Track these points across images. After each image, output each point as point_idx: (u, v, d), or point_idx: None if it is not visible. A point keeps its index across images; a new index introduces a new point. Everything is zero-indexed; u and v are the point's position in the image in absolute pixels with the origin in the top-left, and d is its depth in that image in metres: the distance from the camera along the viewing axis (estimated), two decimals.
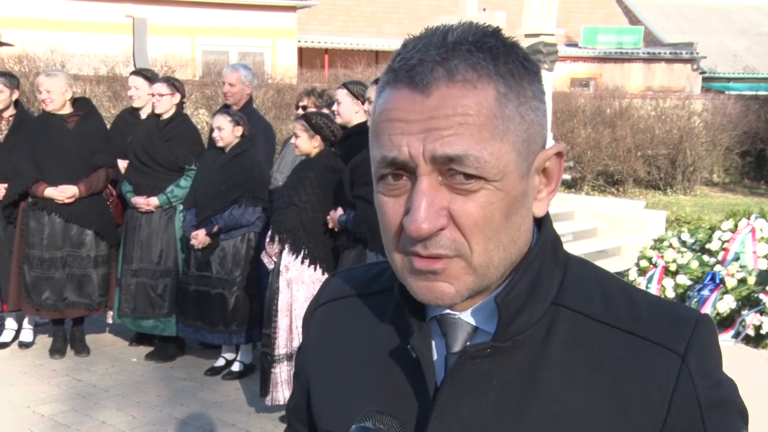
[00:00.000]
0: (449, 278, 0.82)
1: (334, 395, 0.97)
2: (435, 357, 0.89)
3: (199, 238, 4.91)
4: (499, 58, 0.81)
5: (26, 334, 5.71)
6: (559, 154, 0.87)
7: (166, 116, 5.35)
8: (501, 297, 0.84)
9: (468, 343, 0.87)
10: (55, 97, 5.24)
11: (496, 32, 0.83)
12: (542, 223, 0.90)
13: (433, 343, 0.90)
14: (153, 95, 5.35)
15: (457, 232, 0.81)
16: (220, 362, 5.28)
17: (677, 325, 0.86)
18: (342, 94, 4.57)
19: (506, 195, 0.81)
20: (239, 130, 4.94)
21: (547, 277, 0.87)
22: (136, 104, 5.85)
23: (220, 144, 4.96)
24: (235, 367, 5.19)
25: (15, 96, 5.58)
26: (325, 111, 4.83)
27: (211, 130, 5.85)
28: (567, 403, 0.84)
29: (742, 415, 0.89)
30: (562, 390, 0.84)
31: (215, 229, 4.88)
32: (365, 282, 1.02)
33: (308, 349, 1.04)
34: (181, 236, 5.29)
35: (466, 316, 0.88)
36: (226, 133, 4.91)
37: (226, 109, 5.32)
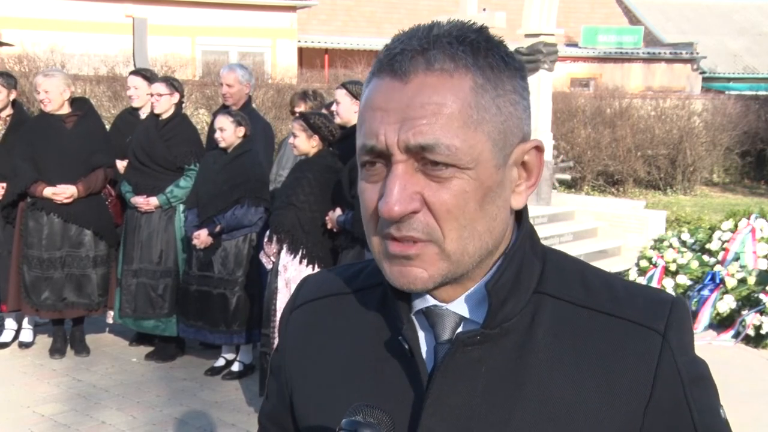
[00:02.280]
0: (422, 263, 0.84)
1: (322, 393, 0.97)
2: (424, 348, 0.91)
3: (201, 238, 4.90)
4: (479, 52, 0.84)
5: (26, 334, 5.70)
6: (538, 149, 0.89)
7: (165, 116, 5.34)
8: (491, 284, 0.86)
9: (459, 331, 0.89)
10: (53, 97, 5.23)
11: (481, 29, 0.86)
12: (522, 216, 0.93)
13: (421, 335, 0.92)
14: (152, 95, 5.34)
15: (430, 218, 0.83)
16: (220, 362, 5.27)
17: (655, 306, 0.90)
18: (341, 94, 4.56)
19: (480, 184, 0.83)
20: (241, 131, 4.93)
21: (528, 266, 0.90)
22: (135, 104, 5.84)
23: (222, 144, 4.95)
24: (235, 367, 5.19)
25: (13, 96, 5.57)
26: (325, 111, 4.83)
27: (211, 130, 5.84)
28: (554, 386, 0.86)
29: (716, 391, 0.93)
30: (549, 374, 0.87)
31: (217, 229, 4.88)
32: (344, 281, 1.03)
33: (287, 351, 1.04)
34: (182, 236, 5.29)
35: (454, 306, 0.90)
36: (228, 133, 4.91)
37: (227, 109, 5.30)
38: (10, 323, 5.77)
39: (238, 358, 5.22)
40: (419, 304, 0.91)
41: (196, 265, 5.03)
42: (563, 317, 0.89)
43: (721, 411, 0.92)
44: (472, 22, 0.87)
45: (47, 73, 5.39)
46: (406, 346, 0.89)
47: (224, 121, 4.93)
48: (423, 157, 0.82)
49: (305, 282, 1.08)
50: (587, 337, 0.88)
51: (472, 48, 0.84)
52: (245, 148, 4.96)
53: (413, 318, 0.92)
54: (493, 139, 0.84)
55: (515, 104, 0.86)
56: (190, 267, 5.09)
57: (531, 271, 0.90)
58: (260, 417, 1.12)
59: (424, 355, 0.90)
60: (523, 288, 0.89)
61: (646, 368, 0.86)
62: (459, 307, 0.90)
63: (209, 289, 4.98)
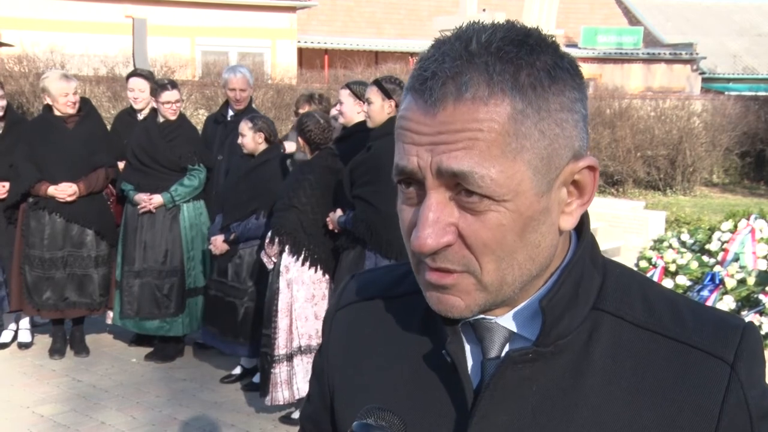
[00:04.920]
0: (459, 293, 0.81)
1: (361, 400, 0.92)
2: (470, 363, 0.87)
3: (216, 244, 4.90)
4: (520, 70, 0.76)
5: (24, 335, 5.70)
6: (591, 168, 0.83)
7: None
8: (546, 300, 0.82)
9: (508, 348, 0.85)
10: (77, 98, 5.32)
11: (525, 39, 0.79)
12: (581, 227, 0.88)
13: (467, 348, 0.88)
14: (169, 103, 5.28)
15: (465, 250, 0.79)
16: (237, 370, 5.16)
17: (725, 333, 0.83)
18: (344, 95, 4.56)
19: (519, 216, 0.78)
20: (260, 137, 4.88)
21: (587, 281, 0.85)
22: (138, 106, 5.80)
23: (244, 150, 4.92)
24: (255, 378, 4.99)
25: (4, 102, 5.56)
26: (334, 111, 4.84)
27: (205, 131, 5.86)
28: (611, 411, 0.81)
29: None
30: (605, 398, 0.82)
31: (231, 237, 4.87)
32: (389, 284, 0.99)
33: (330, 353, 1.01)
34: (195, 236, 5.34)
35: (504, 321, 0.85)
36: (248, 140, 4.87)
37: (249, 115, 5.24)
38: (9, 323, 5.76)
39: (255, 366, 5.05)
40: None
41: (216, 270, 5.03)
42: (623, 338, 0.84)
43: None
44: (519, 26, 0.81)
45: (69, 76, 5.43)
46: (449, 360, 0.85)
47: (244, 127, 4.90)
48: (457, 184, 0.77)
49: (350, 283, 1.04)
50: (648, 362, 0.82)
51: (513, 66, 0.76)
52: (268, 155, 4.93)
53: (459, 329, 0.87)
54: (534, 167, 0.77)
55: (562, 123, 0.79)
56: (212, 271, 5.10)
57: (590, 286, 0.85)
58: (301, 418, 1.10)
59: (469, 369, 0.86)
60: (581, 303, 0.84)
61: (711, 401, 0.80)
62: (508, 321, 0.85)
63: (222, 296, 4.96)
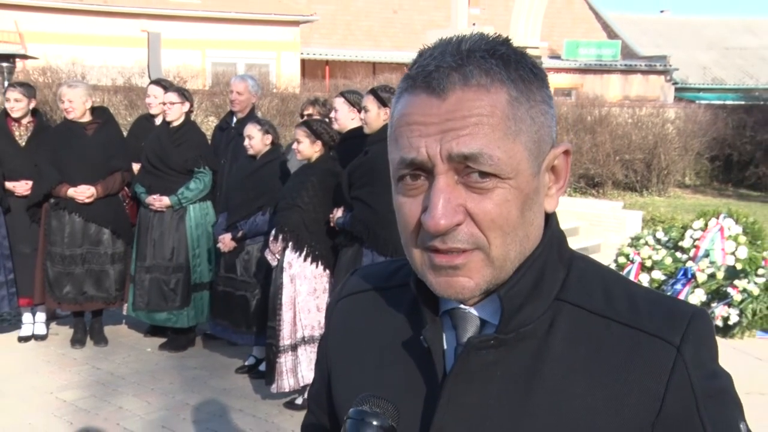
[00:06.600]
0: (469, 272, 0.81)
1: (353, 383, 0.95)
2: (445, 348, 0.88)
3: (225, 241, 4.88)
4: (510, 65, 0.81)
5: (40, 328, 5.67)
6: (566, 153, 0.87)
7: (176, 123, 5.33)
8: (504, 292, 0.82)
9: (471, 335, 0.86)
10: (76, 106, 5.24)
11: (507, 41, 0.83)
12: (548, 222, 0.88)
13: (445, 335, 0.88)
14: (164, 103, 5.33)
15: (474, 227, 0.79)
16: (250, 361, 5.12)
17: (674, 318, 0.83)
18: (339, 103, 4.56)
19: (520, 192, 0.80)
20: (269, 138, 4.87)
21: (551, 273, 0.86)
22: (153, 111, 5.85)
23: (250, 152, 4.88)
24: (262, 366, 4.93)
25: (32, 105, 5.52)
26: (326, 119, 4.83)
27: (215, 135, 5.82)
28: (567, 393, 0.82)
29: (738, 405, 0.86)
30: (562, 381, 0.82)
31: (239, 234, 4.85)
32: (385, 277, 1.01)
33: (330, 340, 1.03)
34: (203, 236, 5.31)
35: (476, 309, 0.87)
36: (256, 141, 4.85)
37: (256, 118, 5.26)
38: (28, 317, 5.70)
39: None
40: (445, 305, 0.88)
41: (223, 266, 5.00)
42: (581, 326, 0.84)
43: (742, 426, 0.85)
44: (496, 35, 0.84)
45: (71, 84, 5.40)
46: (426, 346, 0.87)
47: (252, 130, 4.86)
48: (466, 167, 0.78)
49: (352, 275, 1.06)
50: (602, 346, 0.83)
51: (504, 61, 0.80)
52: (272, 156, 4.90)
53: (441, 317, 0.88)
54: (529, 149, 0.81)
55: (545, 113, 0.83)
56: (219, 268, 5.07)
57: (554, 278, 0.86)
58: (308, 399, 1.12)
59: (446, 353, 0.87)
60: (544, 295, 0.84)
61: (657, 381, 0.80)
62: (480, 310, 0.86)
63: (232, 291, 4.94)
